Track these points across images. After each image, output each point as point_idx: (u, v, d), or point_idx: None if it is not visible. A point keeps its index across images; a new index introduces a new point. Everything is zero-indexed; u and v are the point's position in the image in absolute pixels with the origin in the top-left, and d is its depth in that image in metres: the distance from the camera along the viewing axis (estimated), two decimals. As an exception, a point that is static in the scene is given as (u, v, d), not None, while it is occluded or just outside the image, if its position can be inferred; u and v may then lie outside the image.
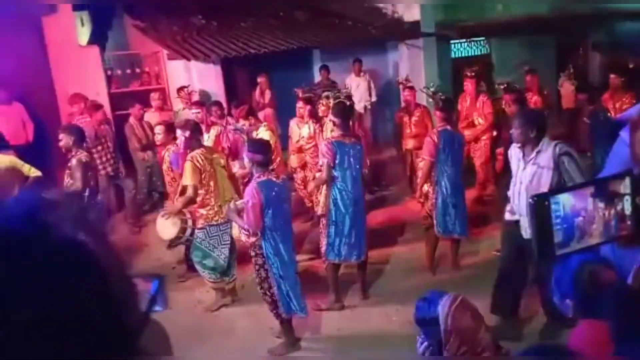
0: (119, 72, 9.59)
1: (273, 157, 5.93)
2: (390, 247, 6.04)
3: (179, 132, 5.92)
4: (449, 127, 5.15)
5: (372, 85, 9.64)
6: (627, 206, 0.90)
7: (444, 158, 5.05)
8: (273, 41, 8.79)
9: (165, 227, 5.09)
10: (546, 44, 11.35)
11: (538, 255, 0.88)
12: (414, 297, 2.13)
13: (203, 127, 6.60)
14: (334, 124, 4.97)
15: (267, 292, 4.29)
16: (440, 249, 5.42)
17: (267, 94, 9.06)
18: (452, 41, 10.65)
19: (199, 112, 6.56)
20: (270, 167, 4.35)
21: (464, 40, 10.91)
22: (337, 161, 4.69)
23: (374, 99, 9.64)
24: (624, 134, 1.57)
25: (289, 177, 7.25)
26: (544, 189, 3.60)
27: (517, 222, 3.96)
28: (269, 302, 4.33)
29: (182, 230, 5.00)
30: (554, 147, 3.77)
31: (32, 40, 8.06)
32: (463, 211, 5.29)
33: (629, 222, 0.90)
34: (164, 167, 5.81)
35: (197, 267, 5.09)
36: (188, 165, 4.85)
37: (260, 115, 9.19)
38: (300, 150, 6.82)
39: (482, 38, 11.06)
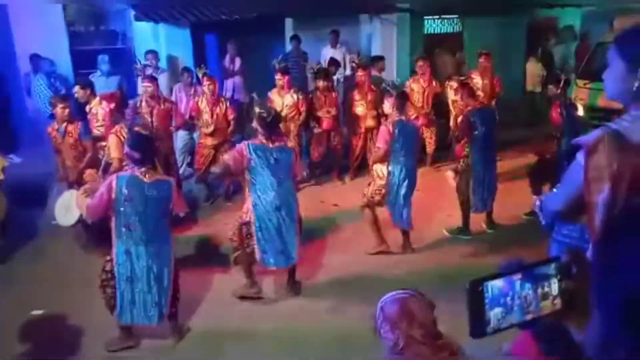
0: (82, 28, 9.23)
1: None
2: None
3: (103, 103, 5.80)
4: (403, 118, 5.17)
5: (347, 59, 9.44)
6: (554, 287, 1.09)
7: (399, 147, 5.07)
8: (245, 7, 8.58)
9: (70, 210, 4.66)
10: (517, 25, 11.46)
11: (471, 333, 1.06)
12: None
13: (154, 102, 6.31)
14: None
15: (105, 291, 3.87)
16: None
17: (237, 62, 8.90)
18: (425, 17, 10.63)
19: (149, 87, 6.18)
20: (148, 165, 3.80)
21: (437, 17, 10.90)
22: (253, 165, 4.26)
23: (348, 72, 9.37)
24: (580, 157, 1.62)
25: None
26: None
27: None
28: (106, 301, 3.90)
29: None
30: None
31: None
32: (409, 203, 5.23)
33: (556, 302, 1.08)
34: (69, 141, 5.43)
35: None
36: (112, 139, 4.71)
37: (229, 83, 9.08)
38: (285, 119, 6.75)
39: (455, 16, 11.07)
